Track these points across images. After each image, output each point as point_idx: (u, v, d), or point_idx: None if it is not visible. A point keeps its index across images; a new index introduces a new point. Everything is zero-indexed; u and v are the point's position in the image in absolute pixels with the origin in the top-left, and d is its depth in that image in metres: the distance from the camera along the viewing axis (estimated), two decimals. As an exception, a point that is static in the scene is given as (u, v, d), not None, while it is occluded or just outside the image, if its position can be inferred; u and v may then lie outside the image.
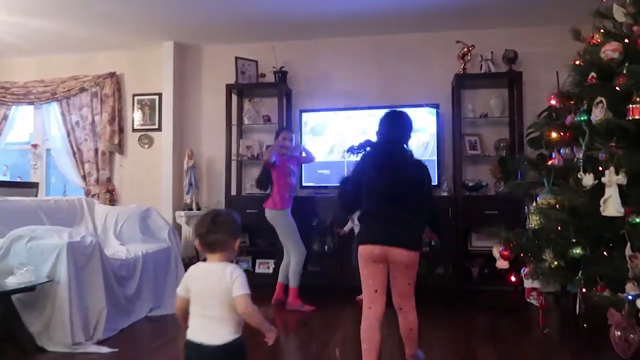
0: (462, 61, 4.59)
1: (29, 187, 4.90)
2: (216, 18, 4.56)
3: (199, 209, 5.03)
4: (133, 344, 3.01)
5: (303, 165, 4.63)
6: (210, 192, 5.23)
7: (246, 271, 4.78)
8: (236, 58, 4.91)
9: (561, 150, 3.03)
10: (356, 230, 3.87)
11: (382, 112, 4.82)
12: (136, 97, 5.44)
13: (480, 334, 3.21)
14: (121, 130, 5.43)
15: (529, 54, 4.59)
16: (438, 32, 4.79)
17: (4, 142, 5.69)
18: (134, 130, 5.44)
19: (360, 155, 2.46)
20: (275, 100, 4.90)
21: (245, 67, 4.95)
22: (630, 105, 2.40)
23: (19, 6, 4.22)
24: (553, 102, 3.19)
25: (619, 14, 2.73)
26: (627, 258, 2.31)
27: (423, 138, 4.58)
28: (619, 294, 2.32)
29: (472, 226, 4.39)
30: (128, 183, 5.42)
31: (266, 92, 5.02)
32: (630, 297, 2.26)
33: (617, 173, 2.32)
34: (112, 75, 5.40)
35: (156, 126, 5.36)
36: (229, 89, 4.91)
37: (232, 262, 1.75)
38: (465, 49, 4.57)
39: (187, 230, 4.95)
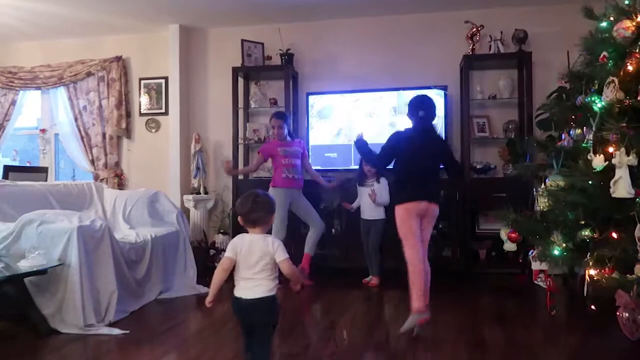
0: (470, 42, 4.52)
1: (39, 171, 4.93)
2: (221, 0, 4.51)
3: (206, 192, 5.05)
4: (143, 326, 3.06)
5: (310, 148, 4.65)
6: (218, 176, 5.25)
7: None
8: (242, 41, 4.87)
9: (571, 132, 3.00)
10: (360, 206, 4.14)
11: (389, 95, 4.79)
12: (143, 81, 5.43)
13: (487, 316, 3.22)
14: (128, 114, 5.43)
15: (539, 34, 4.50)
16: (446, 12, 4.71)
17: (13, 127, 5.72)
18: (141, 114, 5.45)
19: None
20: (282, 83, 4.87)
21: (252, 50, 4.91)
22: (643, 85, 2.36)
23: (23, -10, 4.21)
24: (563, 82, 3.15)
25: (632, -10, 2.67)
26: (637, 239, 2.29)
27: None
28: (628, 275, 2.31)
29: (480, 209, 4.38)
30: (136, 167, 5.45)
31: (272, 74, 4.98)
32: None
33: (627, 154, 2.29)
34: (118, 59, 5.39)
35: (163, 110, 5.36)
36: (235, 72, 4.89)
37: (267, 232, 2.14)
38: (474, 29, 4.49)
39: (195, 214, 4.98)
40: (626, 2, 2.68)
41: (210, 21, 5.11)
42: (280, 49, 4.86)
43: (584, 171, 2.59)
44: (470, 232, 4.37)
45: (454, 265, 4.35)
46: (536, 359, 2.44)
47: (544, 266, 2.96)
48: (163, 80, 5.33)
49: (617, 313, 2.67)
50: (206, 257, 4.64)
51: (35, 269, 2.79)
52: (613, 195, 2.34)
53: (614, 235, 2.47)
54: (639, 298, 2.40)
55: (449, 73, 4.66)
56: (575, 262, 2.72)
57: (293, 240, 4.26)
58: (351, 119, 4.73)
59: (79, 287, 2.87)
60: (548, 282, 3.05)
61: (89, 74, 5.44)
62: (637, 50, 2.45)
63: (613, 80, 2.51)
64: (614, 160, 2.34)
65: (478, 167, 4.49)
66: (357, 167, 4.34)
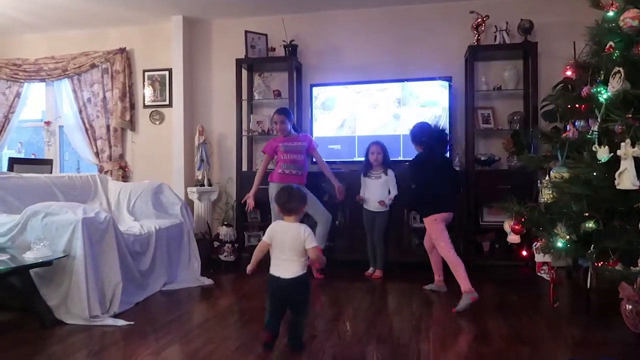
0: (476, 32, 4.48)
1: (44, 163, 4.96)
2: (224, -9, 4.50)
3: (210, 185, 5.06)
4: (148, 317, 3.08)
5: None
6: (222, 168, 5.25)
7: (257, 246, 4.85)
8: (246, 32, 4.85)
9: (576, 123, 2.97)
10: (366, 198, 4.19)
11: (393, 86, 4.77)
12: (146, 73, 5.43)
13: (490, 307, 3.22)
14: (132, 106, 5.44)
15: (545, 24, 4.46)
16: (451, 2, 4.67)
17: (18, 120, 5.74)
18: (144, 106, 5.45)
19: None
20: (286, 75, 4.85)
21: (255, 41, 4.89)
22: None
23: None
24: (569, 73, 3.11)
25: (639, -21, 2.62)
26: (641, 232, 2.28)
27: (435, 112, 4.52)
28: (632, 267, 2.30)
29: (484, 201, 4.37)
30: (140, 159, 5.46)
31: (276, 66, 4.97)
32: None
33: (633, 145, 2.27)
34: (122, 50, 5.39)
35: (167, 102, 5.36)
36: (239, 63, 4.87)
37: (301, 221, 2.49)
38: (480, 20, 4.45)
39: (199, 206, 5.00)
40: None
41: (214, 12, 5.09)
42: (284, 40, 4.84)
43: (588, 163, 2.56)
44: (474, 225, 4.36)
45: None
46: (539, 350, 2.43)
47: (547, 258, 2.94)
48: (167, 72, 5.33)
49: (621, 305, 2.67)
50: (210, 249, 4.66)
51: (40, 261, 2.81)
52: (618, 187, 2.33)
53: (618, 227, 2.45)
54: (643, 290, 2.39)
55: (453, 64, 4.63)
56: (579, 254, 2.70)
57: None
58: (355, 111, 4.72)
59: (84, 279, 2.89)
60: (551, 274, 3.04)
61: (93, 66, 5.44)
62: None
63: (619, 70, 2.48)
64: (619, 152, 2.32)
65: (482, 158, 4.47)
66: (361, 158, 4.33)
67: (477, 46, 4.45)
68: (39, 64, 5.56)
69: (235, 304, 3.44)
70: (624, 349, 2.45)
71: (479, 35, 4.48)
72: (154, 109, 5.42)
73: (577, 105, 2.91)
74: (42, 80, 5.60)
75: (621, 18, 2.53)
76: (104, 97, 5.45)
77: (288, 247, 2.38)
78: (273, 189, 4.03)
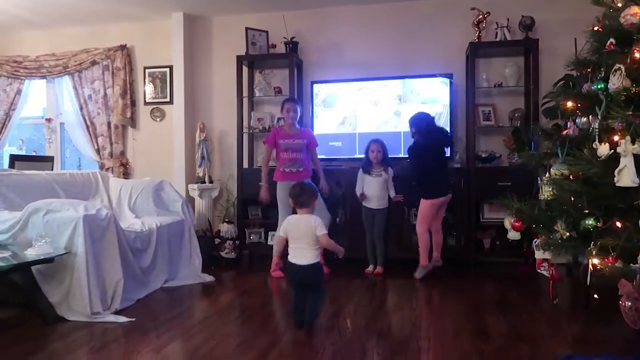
0: (477, 29, 4.47)
1: (45, 160, 4.97)
2: (225, -12, 4.49)
3: (211, 182, 5.07)
4: (149, 313, 3.09)
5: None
6: (223, 165, 5.26)
7: (258, 243, 4.88)
8: (246, 29, 4.85)
9: (577, 120, 2.97)
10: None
11: (394, 83, 4.77)
12: (147, 70, 5.43)
13: (490, 304, 3.23)
14: (133, 103, 5.44)
15: (547, 21, 4.45)
16: (452, -1, 4.67)
17: (19, 117, 5.75)
18: (145, 103, 5.45)
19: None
20: (286, 72, 4.85)
21: (256, 38, 4.89)
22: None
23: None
24: (570, 70, 3.11)
25: (640, -24, 2.61)
26: (641, 229, 2.28)
27: (436, 109, 4.52)
28: (631, 264, 2.30)
29: (485, 198, 4.37)
30: (141, 156, 5.47)
31: (277, 63, 4.97)
32: (642, 268, 2.24)
33: (633, 142, 2.27)
34: (122, 47, 5.39)
35: (167, 99, 5.36)
36: (240, 60, 4.87)
37: (312, 213, 2.80)
38: (480, 16, 4.44)
39: (200, 203, 5.01)
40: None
41: (215, 9, 5.09)
42: (284, 37, 4.83)
43: (588, 160, 2.56)
44: (474, 221, 4.37)
45: (458, 254, 4.36)
46: (538, 347, 2.44)
47: (547, 255, 2.95)
48: (167, 69, 5.33)
49: (620, 302, 2.67)
50: (211, 246, 4.67)
51: (42, 258, 2.82)
52: (617, 184, 2.33)
53: (618, 224, 2.45)
54: (643, 287, 2.40)
55: (454, 61, 4.62)
56: (579, 251, 2.70)
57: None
58: (356, 108, 4.72)
59: (85, 276, 2.91)
60: (551, 271, 3.04)
61: (93, 63, 5.44)
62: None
63: (620, 67, 2.48)
64: (619, 149, 2.32)
65: (483, 155, 4.47)
66: (362, 156, 4.33)
67: (478, 43, 4.44)
68: (39, 60, 5.56)
69: (236, 301, 3.45)
70: (624, 346, 2.45)
71: (480, 32, 4.47)
72: (154, 106, 5.43)
73: (578, 103, 2.91)
74: (43, 77, 5.60)
75: (622, 15, 2.52)
76: (105, 94, 5.45)
77: (302, 236, 2.69)
78: (279, 188, 4.08)
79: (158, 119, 5.43)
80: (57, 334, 2.68)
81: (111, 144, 5.43)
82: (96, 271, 3.00)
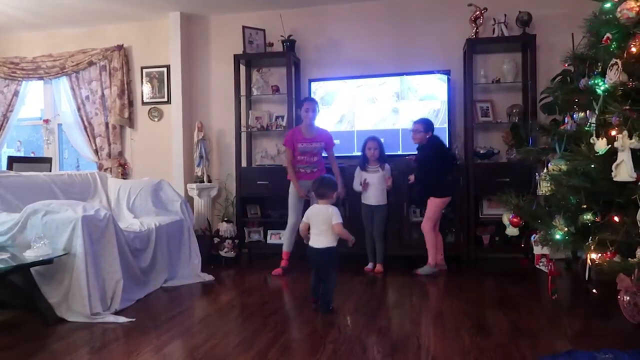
0: (474, 25, 4.46)
1: (43, 162, 4.96)
2: (221, -14, 4.48)
3: (210, 181, 5.07)
4: (149, 313, 3.09)
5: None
6: (221, 164, 5.26)
7: (257, 242, 4.88)
8: (243, 27, 4.84)
9: (574, 115, 2.97)
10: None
11: (391, 80, 4.76)
12: (144, 70, 5.42)
13: (490, 300, 3.24)
14: (131, 103, 5.44)
15: (544, 16, 4.44)
16: (449, -4, 4.66)
17: (17, 118, 5.74)
18: (143, 103, 5.45)
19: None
20: (284, 70, 4.85)
21: (253, 37, 4.88)
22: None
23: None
24: (567, 65, 3.11)
25: (637, -30, 2.61)
26: (639, 223, 2.28)
27: (434, 105, 4.52)
28: (629, 259, 2.31)
29: (483, 194, 4.37)
30: (139, 156, 5.47)
31: (274, 61, 4.96)
32: (640, 262, 2.24)
33: (630, 137, 2.26)
34: (119, 47, 5.38)
35: (165, 99, 5.36)
36: (237, 59, 4.86)
37: (332, 204, 3.16)
38: (478, 12, 4.43)
39: (199, 203, 5.01)
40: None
41: (211, 8, 5.08)
42: (282, 36, 4.83)
43: (586, 155, 2.56)
44: (473, 218, 4.37)
45: (458, 251, 4.36)
46: (538, 342, 2.45)
47: (545, 250, 2.95)
48: (165, 69, 5.33)
49: (618, 297, 2.68)
50: (210, 245, 4.67)
51: (41, 259, 2.81)
52: (615, 179, 2.32)
53: (616, 219, 2.45)
54: (641, 281, 2.40)
55: (452, 57, 4.62)
56: (577, 246, 2.71)
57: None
58: (354, 105, 4.71)
59: (85, 276, 2.91)
60: (550, 267, 3.05)
61: (90, 64, 5.44)
62: (641, 32, 2.40)
63: (616, 62, 2.48)
64: (616, 144, 2.32)
65: (481, 152, 4.47)
66: (359, 153, 4.33)
67: (476, 39, 4.44)
68: (36, 62, 5.55)
69: (236, 300, 3.45)
70: (623, 340, 2.46)
71: (477, 28, 4.46)
72: (152, 106, 5.42)
73: (575, 98, 2.91)
74: (40, 78, 5.60)
75: (618, 9, 2.52)
76: (102, 95, 5.44)
77: (320, 223, 3.07)
78: (291, 187, 4.17)
79: (156, 119, 5.43)
80: (57, 335, 2.68)
81: (109, 145, 5.43)
82: (95, 272, 3.00)
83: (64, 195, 3.81)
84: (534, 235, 3.03)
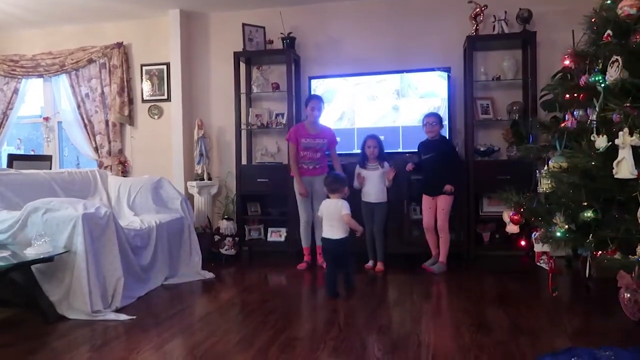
0: (474, 22, 4.45)
1: (43, 159, 4.96)
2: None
3: (210, 179, 5.07)
4: (150, 311, 3.10)
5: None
6: (221, 162, 5.25)
7: (257, 239, 4.89)
8: (243, 25, 4.83)
9: (575, 112, 2.96)
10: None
11: (391, 78, 4.76)
12: (144, 68, 5.41)
13: (490, 298, 3.24)
14: (130, 101, 5.43)
15: (544, 13, 4.44)
16: (449, -7, 4.65)
17: (16, 116, 5.74)
18: (143, 101, 5.44)
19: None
20: (284, 68, 4.84)
21: (253, 34, 4.87)
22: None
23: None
24: (567, 62, 3.10)
25: (638, -33, 2.60)
26: (639, 220, 2.28)
27: (434, 103, 4.51)
28: (630, 256, 2.31)
29: (484, 191, 4.38)
30: (140, 154, 5.46)
31: (274, 59, 4.95)
32: (641, 260, 2.24)
33: (631, 134, 2.26)
34: (119, 45, 5.37)
35: (165, 96, 5.35)
36: (237, 56, 4.86)
37: (343, 198, 3.46)
38: (478, 9, 4.42)
39: (199, 200, 5.01)
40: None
41: (211, 5, 5.07)
42: (281, 33, 4.82)
43: (586, 152, 2.56)
44: (474, 215, 4.37)
45: (458, 248, 4.36)
46: (538, 340, 2.45)
47: (546, 248, 2.95)
48: (165, 66, 5.32)
49: (619, 294, 2.68)
50: (211, 242, 4.67)
51: (41, 257, 2.82)
52: (616, 176, 2.32)
53: (617, 216, 2.45)
54: (641, 279, 2.40)
55: (452, 54, 4.61)
56: (578, 243, 2.71)
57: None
58: (354, 103, 4.71)
59: (86, 274, 2.91)
60: (550, 264, 3.05)
61: (90, 61, 5.43)
62: (642, 29, 2.40)
63: (617, 59, 2.47)
64: (617, 141, 2.32)
65: (482, 149, 4.47)
66: (359, 151, 4.33)
67: (476, 36, 4.43)
68: (36, 59, 5.54)
69: (236, 297, 3.46)
70: (623, 337, 2.46)
71: (477, 25, 4.45)
72: (152, 104, 5.41)
73: (575, 95, 2.90)
74: (40, 76, 5.59)
75: (619, 6, 2.51)
76: (102, 92, 5.44)
77: (332, 216, 3.33)
78: (295, 184, 4.21)
79: (156, 117, 5.42)
80: (58, 333, 2.69)
81: (109, 142, 5.42)
82: (96, 269, 3.00)
83: (64, 193, 3.81)
84: (534, 233, 3.03)
